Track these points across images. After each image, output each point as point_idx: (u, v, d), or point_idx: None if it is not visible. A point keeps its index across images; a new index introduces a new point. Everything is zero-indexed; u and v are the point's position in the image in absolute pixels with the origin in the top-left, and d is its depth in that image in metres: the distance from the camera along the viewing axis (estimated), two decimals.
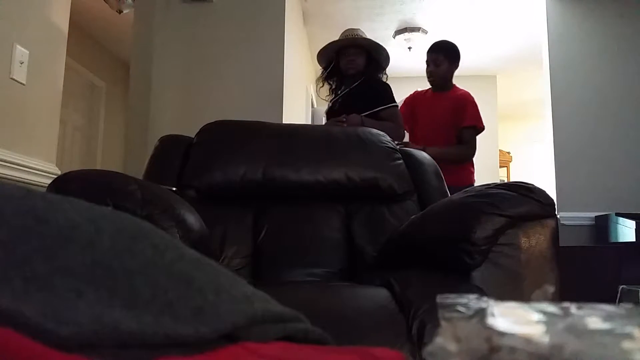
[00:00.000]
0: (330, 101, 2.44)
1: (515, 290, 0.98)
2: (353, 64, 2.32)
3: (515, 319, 0.27)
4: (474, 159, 2.63)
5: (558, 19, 3.35)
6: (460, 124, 2.52)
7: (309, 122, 4.46)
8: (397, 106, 2.33)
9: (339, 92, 2.39)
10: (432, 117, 2.58)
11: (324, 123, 2.50)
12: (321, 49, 2.41)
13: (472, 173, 2.63)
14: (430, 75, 2.63)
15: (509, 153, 6.54)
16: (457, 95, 2.61)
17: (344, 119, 2.18)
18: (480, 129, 2.58)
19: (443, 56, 2.60)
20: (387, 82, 2.41)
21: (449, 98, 2.60)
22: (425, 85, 2.79)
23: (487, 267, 0.99)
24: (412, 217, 1.37)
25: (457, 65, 2.67)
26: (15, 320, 0.27)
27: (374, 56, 2.37)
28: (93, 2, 3.69)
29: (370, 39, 2.39)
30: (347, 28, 2.48)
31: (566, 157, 3.20)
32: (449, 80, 2.66)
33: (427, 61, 2.66)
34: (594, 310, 0.27)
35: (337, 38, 2.43)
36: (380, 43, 2.42)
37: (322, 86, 2.49)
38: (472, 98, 2.60)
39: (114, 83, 5.10)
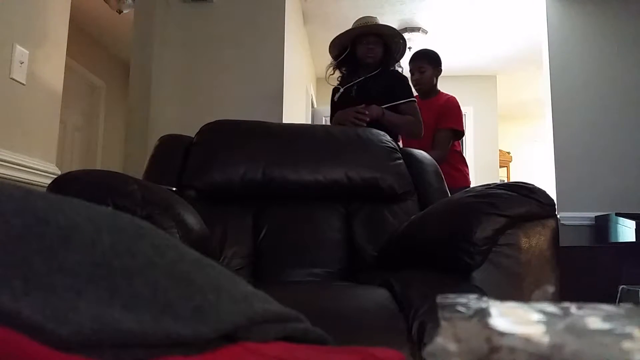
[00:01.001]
0: (343, 87, 2.33)
1: (515, 290, 0.98)
2: (372, 52, 2.24)
3: (515, 319, 0.27)
4: (473, 159, 2.65)
5: (558, 19, 3.35)
6: (439, 126, 2.55)
7: (309, 122, 4.46)
8: (415, 101, 2.26)
9: (355, 79, 2.29)
10: None
11: (335, 111, 2.30)
12: (337, 36, 2.31)
13: (467, 174, 2.66)
14: (417, 83, 2.66)
15: (509, 153, 6.54)
16: (444, 101, 2.65)
17: (366, 111, 2.09)
18: (460, 132, 2.63)
19: (426, 63, 2.65)
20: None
21: (436, 104, 2.63)
22: None
23: (487, 267, 0.99)
24: (412, 217, 1.37)
25: (440, 71, 2.73)
26: (15, 320, 0.27)
27: (391, 47, 2.30)
28: (93, 2, 3.69)
29: (390, 26, 2.32)
30: (362, 16, 2.38)
31: (566, 157, 3.20)
32: (435, 85, 2.71)
33: (411, 70, 2.70)
34: (594, 310, 0.27)
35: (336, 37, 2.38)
36: None
37: (333, 74, 2.39)
38: (457, 103, 2.66)
39: (114, 83, 5.10)
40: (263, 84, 2.88)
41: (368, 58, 2.25)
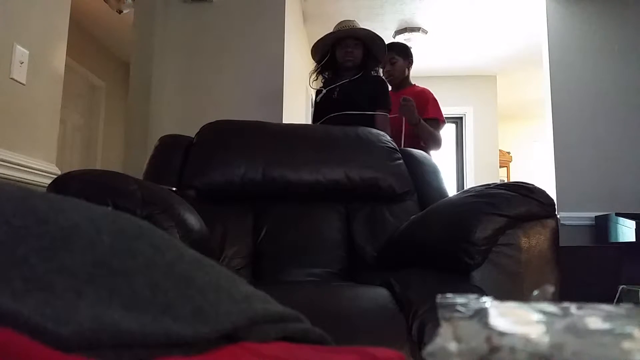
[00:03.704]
0: (326, 89, 2.33)
1: (515, 290, 0.98)
2: (351, 56, 2.26)
3: (515, 319, 0.27)
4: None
5: (558, 19, 3.34)
6: (422, 116, 2.59)
7: (309, 122, 4.46)
8: (388, 115, 2.27)
9: (338, 82, 2.30)
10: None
11: (317, 113, 2.33)
12: (317, 41, 2.34)
13: None
14: (389, 74, 2.68)
15: (509, 153, 6.53)
16: (419, 91, 2.69)
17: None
18: (443, 122, 2.67)
19: (395, 54, 2.66)
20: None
21: (410, 94, 2.64)
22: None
23: (487, 267, 0.99)
24: (412, 217, 1.37)
25: (412, 62, 2.77)
26: (15, 320, 0.27)
27: (372, 48, 2.31)
28: (93, 2, 3.69)
29: (368, 30, 2.34)
30: (341, 20, 2.41)
31: (566, 157, 3.20)
32: (407, 77, 2.75)
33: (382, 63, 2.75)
34: (594, 310, 0.27)
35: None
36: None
37: (316, 79, 2.43)
38: (432, 94, 2.69)
39: (114, 83, 5.10)
40: (263, 84, 2.88)
41: (347, 61, 2.27)
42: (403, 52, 2.72)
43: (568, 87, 3.26)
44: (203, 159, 1.57)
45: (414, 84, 2.77)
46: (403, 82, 2.72)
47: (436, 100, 2.69)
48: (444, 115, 2.72)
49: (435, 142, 2.59)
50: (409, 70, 2.75)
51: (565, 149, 3.21)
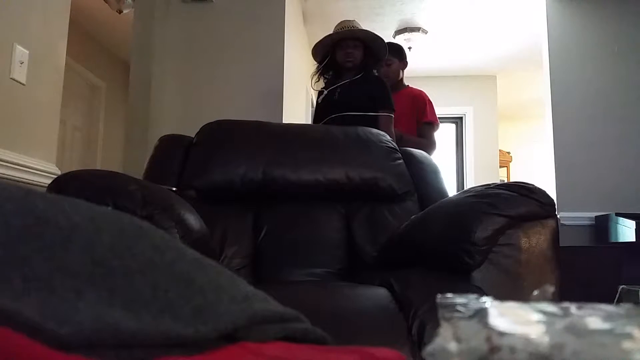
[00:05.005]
0: (327, 90, 2.33)
1: (515, 290, 0.98)
2: (351, 57, 2.26)
3: (515, 319, 0.27)
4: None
5: (558, 19, 3.34)
6: (420, 119, 2.64)
7: (309, 122, 4.46)
8: (392, 116, 2.27)
9: (339, 82, 2.30)
10: None
11: (318, 113, 2.33)
12: (317, 43, 2.35)
13: None
14: (385, 76, 2.66)
15: (509, 153, 6.53)
16: (415, 93, 2.72)
17: None
18: (437, 125, 2.72)
19: (392, 56, 2.66)
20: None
21: (406, 95, 2.67)
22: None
23: (487, 267, 0.99)
24: (412, 217, 1.37)
25: (406, 64, 2.80)
26: (15, 320, 0.27)
27: (372, 49, 2.31)
28: (93, 2, 3.69)
29: (367, 30, 2.33)
30: (341, 20, 2.41)
31: (566, 157, 3.20)
32: (401, 79, 2.77)
33: None
34: (594, 310, 0.27)
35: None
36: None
37: (318, 81, 2.43)
38: (428, 96, 2.74)
39: (114, 83, 5.10)
40: (263, 84, 2.88)
41: (347, 62, 2.27)
42: (398, 54, 2.72)
43: (568, 87, 3.26)
44: (203, 159, 1.57)
45: (408, 85, 2.78)
46: (398, 84, 2.72)
47: (431, 103, 2.71)
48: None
49: (426, 149, 2.59)
50: (403, 72, 2.77)
51: (565, 149, 3.21)
